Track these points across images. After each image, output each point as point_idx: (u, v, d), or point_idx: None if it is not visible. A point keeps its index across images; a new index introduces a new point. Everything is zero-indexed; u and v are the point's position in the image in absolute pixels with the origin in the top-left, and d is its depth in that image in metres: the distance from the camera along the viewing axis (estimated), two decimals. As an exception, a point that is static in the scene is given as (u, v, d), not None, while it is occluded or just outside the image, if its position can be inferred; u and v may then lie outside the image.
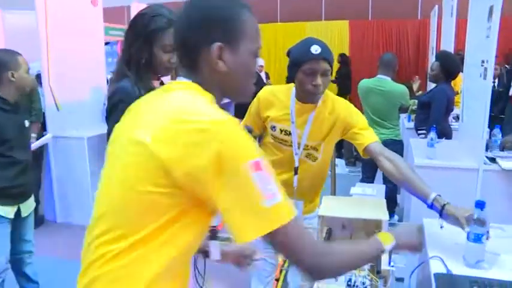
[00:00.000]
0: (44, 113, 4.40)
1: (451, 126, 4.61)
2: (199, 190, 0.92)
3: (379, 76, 4.20)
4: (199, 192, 0.92)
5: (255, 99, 2.13)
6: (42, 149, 4.30)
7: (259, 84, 2.37)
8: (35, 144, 3.91)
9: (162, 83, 1.84)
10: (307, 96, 1.98)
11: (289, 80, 2.02)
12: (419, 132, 4.46)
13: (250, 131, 2.28)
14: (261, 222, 0.91)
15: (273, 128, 2.10)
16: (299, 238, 0.97)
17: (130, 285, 0.96)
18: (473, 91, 3.50)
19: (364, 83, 4.31)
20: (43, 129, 4.36)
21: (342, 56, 8.85)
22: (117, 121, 1.58)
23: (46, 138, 4.02)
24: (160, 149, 0.91)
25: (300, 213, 2.09)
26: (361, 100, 4.29)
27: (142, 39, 1.71)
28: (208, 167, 0.88)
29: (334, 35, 10.52)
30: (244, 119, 2.24)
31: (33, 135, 4.18)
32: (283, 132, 2.07)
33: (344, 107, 2.07)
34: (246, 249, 1.59)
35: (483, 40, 3.09)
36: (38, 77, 4.40)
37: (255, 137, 2.26)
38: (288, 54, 2.00)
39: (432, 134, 3.31)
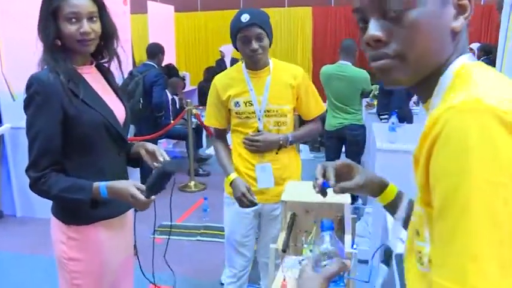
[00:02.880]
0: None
1: (412, 111, 4.71)
2: None
3: (340, 62, 4.23)
4: None
5: (211, 89, 2.19)
6: (-2, 141, 4.14)
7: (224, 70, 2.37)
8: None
9: (97, 67, 1.68)
10: (252, 62, 2.09)
11: (238, 50, 2.11)
12: (382, 117, 4.54)
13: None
14: None
15: (237, 104, 2.13)
16: None
17: None
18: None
19: (326, 69, 4.34)
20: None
21: None
22: (36, 115, 1.52)
23: (3, 128, 3.87)
24: None
25: (271, 177, 2.13)
26: (323, 86, 4.31)
27: (51, 18, 1.50)
28: None
29: (297, 22, 10.55)
30: (206, 118, 2.25)
31: (-10, 125, 4.02)
32: (247, 104, 2.12)
33: (302, 74, 2.20)
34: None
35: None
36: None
37: (224, 130, 2.25)
38: None
39: (393, 119, 3.38)
